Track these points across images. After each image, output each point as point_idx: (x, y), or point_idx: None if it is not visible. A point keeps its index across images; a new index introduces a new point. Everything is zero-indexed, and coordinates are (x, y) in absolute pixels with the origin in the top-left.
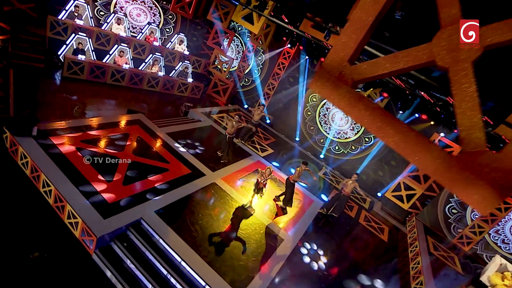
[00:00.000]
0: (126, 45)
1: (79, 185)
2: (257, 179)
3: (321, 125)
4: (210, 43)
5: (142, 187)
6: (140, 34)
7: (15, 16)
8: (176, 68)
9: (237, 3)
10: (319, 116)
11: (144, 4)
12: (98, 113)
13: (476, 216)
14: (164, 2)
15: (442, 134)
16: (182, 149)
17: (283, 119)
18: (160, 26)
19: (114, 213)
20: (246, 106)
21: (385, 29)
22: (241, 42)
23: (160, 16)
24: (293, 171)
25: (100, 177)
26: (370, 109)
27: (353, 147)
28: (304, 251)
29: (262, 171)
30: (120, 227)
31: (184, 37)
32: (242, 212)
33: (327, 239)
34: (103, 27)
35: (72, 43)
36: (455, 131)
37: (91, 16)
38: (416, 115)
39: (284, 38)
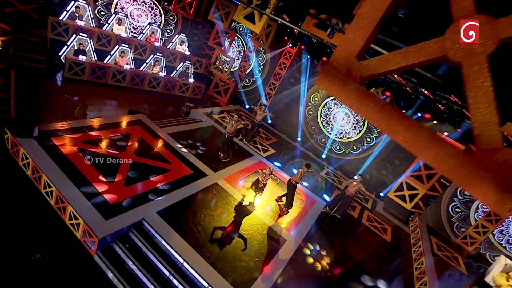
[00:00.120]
0: (127, 46)
1: (81, 186)
2: (258, 178)
3: (323, 125)
4: (211, 43)
5: (143, 188)
6: (141, 34)
7: (16, 17)
8: (177, 69)
9: (239, 3)
10: (321, 116)
11: (145, 4)
12: (99, 113)
13: (480, 216)
14: (166, 3)
15: (445, 133)
16: (184, 150)
17: (284, 119)
18: (161, 26)
19: (116, 214)
20: (247, 106)
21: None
22: (242, 42)
23: (161, 16)
24: (295, 171)
25: (101, 178)
26: (379, 106)
27: (354, 147)
28: (307, 251)
29: (263, 171)
30: (122, 228)
31: (185, 37)
32: (242, 210)
33: (329, 239)
34: (104, 28)
35: (73, 44)
36: (459, 130)
37: (92, 16)
38: (419, 114)
39: (286, 38)
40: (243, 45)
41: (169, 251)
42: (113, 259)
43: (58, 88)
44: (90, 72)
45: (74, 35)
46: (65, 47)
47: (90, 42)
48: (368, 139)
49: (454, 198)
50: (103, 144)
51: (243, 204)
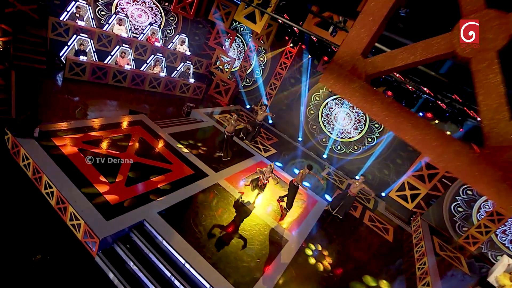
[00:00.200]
0: (127, 46)
1: (82, 187)
2: (259, 177)
3: (324, 125)
4: (212, 44)
5: (144, 188)
6: (142, 35)
7: (17, 18)
8: (177, 69)
9: (239, 2)
10: (322, 116)
11: (145, 4)
12: (100, 114)
13: (482, 216)
14: (166, 4)
15: (448, 133)
16: (185, 150)
17: (285, 119)
18: (162, 26)
19: (117, 214)
20: (248, 107)
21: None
22: (242, 42)
23: (161, 16)
24: (296, 171)
25: (102, 178)
26: (385, 104)
27: (355, 147)
28: (308, 252)
29: (263, 169)
30: (123, 229)
31: (186, 37)
32: (241, 209)
33: (331, 239)
34: (104, 28)
35: (74, 44)
36: (461, 130)
37: (92, 17)
38: (421, 113)
39: (286, 38)
40: (243, 45)
41: (171, 252)
42: (114, 260)
43: (58, 89)
44: (91, 73)
45: (75, 36)
46: (66, 47)
47: (91, 42)
48: (369, 139)
49: (457, 198)
50: (104, 144)
51: (241, 201)
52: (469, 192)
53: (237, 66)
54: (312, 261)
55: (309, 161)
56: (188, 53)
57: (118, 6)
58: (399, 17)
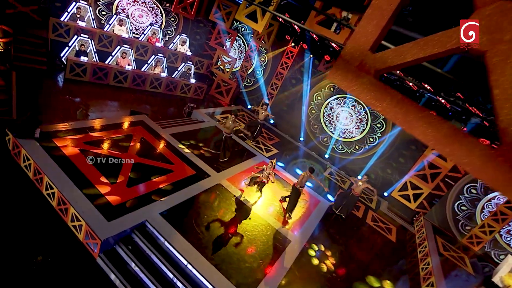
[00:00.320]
0: (128, 47)
1: (83, 188)
2: (260, 175)
3: (326, 125)
4: (213, 44)
5: (146, 189)
6: (143, 35)
7: (18, 19)
8: (178, 69)
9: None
10: (323, 116)
11: (146, 5)
12: (101, 114)
13: (486, 216)
14: (167, 4)
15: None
16: (186, 150)
17: (287, 119)
18: (162, 27)
19: (118, 215)
20: (249, 107)
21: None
22: (243, 42)
23: (162, 17)
24: (298, 171)
25: (103, 179)
26: (396, 100)
27: (357, 147)
28: (311, 252)
29: (264, 166)
30: (125, 229)
31: (187, 38)
32: (243, 209)
33: (334, 240)
34: (105, 29)
35: (75, 45)
36: (464, 129)
37: (93, 17)
38: None
39: (288, 37)
40: (244, 45)
41: (173, 253)
42: (116, 261)
43: (59, 89)
44: (92, 73)
45: (76, 36)
46: (67, 48)
47: (92, 43)
48: (371, 139)
49: (461, 196)
50: (105, 145)
51: (240, 198)
52: (473, 191)
53: (238, 66)
54: (315, 261)
55: (311, 162)
56: (189, 53)
57: (118, 6)
58: (408, 11)
